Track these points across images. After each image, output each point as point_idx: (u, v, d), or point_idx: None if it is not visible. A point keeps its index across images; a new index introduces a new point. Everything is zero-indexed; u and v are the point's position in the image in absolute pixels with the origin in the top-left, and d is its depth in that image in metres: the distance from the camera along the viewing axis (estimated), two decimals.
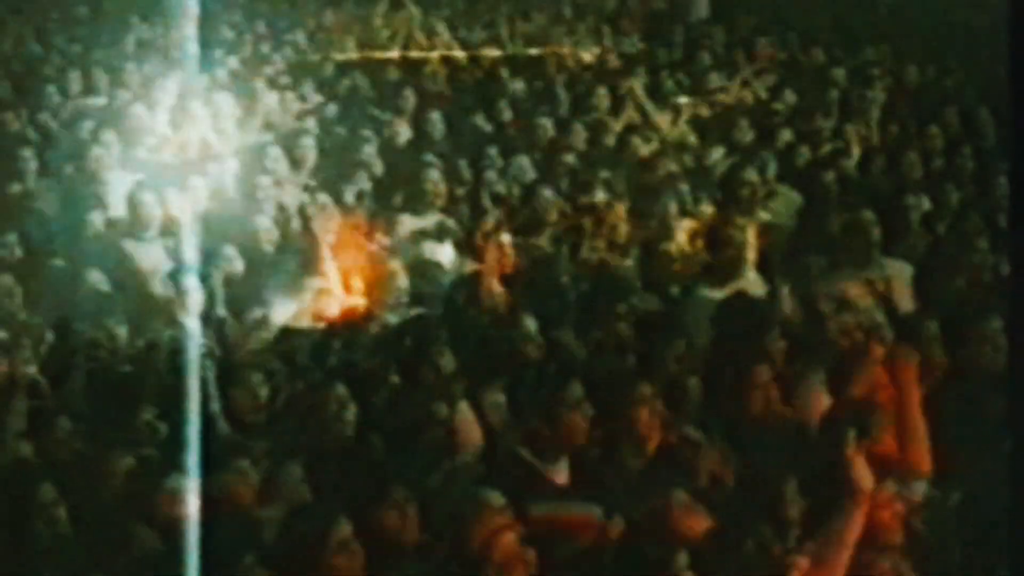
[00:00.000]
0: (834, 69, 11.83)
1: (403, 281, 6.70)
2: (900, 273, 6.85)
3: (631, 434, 5.12)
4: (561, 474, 5.01)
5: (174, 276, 7.06)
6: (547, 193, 7.76)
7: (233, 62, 13.33)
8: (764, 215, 8.27)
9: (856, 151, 9.51)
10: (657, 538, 4.48)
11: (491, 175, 8.31)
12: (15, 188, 8.74)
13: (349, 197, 8.33)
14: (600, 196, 7.85)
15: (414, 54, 12.93)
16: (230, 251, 7.46)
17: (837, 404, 5.17)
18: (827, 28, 14.21)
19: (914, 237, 7.58)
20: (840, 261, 6.92)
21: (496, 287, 6.63)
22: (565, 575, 4.48)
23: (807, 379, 5.51)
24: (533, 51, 13.19)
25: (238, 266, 7.52)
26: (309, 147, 9.27)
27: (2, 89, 11.91)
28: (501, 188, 8.27)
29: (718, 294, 6.54)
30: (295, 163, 9.03)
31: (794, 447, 5.08)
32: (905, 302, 6.66)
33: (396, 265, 6.77)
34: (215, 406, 5.65)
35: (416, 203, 8.05)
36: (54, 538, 4.84)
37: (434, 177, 8.19)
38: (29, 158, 9.10)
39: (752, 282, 6.78)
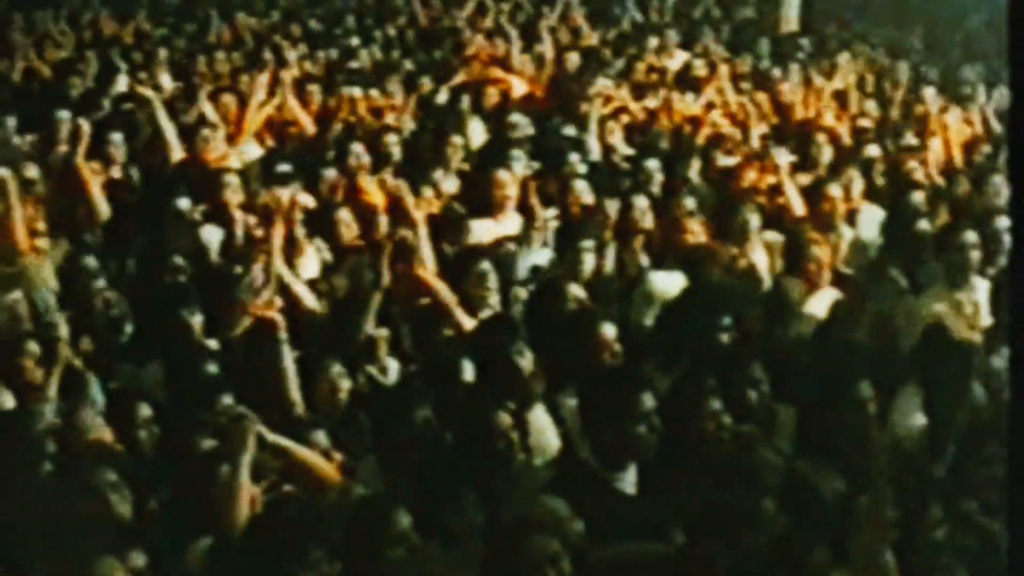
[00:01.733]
0: (923, 86, 11.72)
1: (492, 282, 6.68)
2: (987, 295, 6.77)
3: (701, 447, 5.11)
4: (628, 484, 5.00)
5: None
6: (639, 202, 7.73)
7: (321, 56, 13.42)
8: (847, 230, 8.21)
9: (942, 169, 9.43)
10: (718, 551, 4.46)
11: (579, 183, 8.28)
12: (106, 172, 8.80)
13: (434, 197, 8.34)
14: (683, 207, 7.80)
15: (499, 53, 12.92)
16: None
17: None
18: (917, 44, 14.10)
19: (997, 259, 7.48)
20: (929, 281, 6.84)
21: (577, 292, 6.63)
22: None
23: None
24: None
25: (325, 256, 7.61)
26: (393, 143, 9.30)
27: (90, 74, 12.01)
28: (587, 195, 8.22)
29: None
30: (380, 159, 9.06)
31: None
32: (985, 322, 6.59)
33: (486, 266, 6.74)
34: (295, 394, 5.70)
35: (499, 205, 8.07)
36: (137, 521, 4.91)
37: (518, 180, 8.19)
38: (117, 143, 9.17)
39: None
